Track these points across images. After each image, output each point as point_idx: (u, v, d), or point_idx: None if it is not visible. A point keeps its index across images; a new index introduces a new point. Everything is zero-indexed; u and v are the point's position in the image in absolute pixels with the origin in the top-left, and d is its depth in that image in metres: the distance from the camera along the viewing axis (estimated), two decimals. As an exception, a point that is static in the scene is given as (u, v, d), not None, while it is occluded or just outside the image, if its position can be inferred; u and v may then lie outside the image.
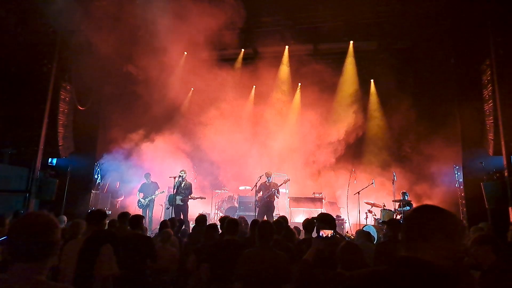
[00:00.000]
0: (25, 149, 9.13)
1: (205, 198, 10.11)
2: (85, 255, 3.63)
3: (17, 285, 1.43)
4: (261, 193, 9.59)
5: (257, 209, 9.42)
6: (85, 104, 10.67)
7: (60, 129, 9.90)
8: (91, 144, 10.98)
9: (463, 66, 9.40)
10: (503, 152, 7.85)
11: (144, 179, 10.55)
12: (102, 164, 11.35)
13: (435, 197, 10.10)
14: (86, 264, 3.58)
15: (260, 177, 9.67)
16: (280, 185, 9.84)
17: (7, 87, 8.98)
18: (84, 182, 10.62)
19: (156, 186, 10.40)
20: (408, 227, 1.49)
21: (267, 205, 9.40)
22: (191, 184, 9.84)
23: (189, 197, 9.59)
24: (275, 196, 9.53)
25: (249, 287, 3.32)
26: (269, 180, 9.61)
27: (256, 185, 9.51)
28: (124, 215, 5.48)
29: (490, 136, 8.45)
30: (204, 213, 10.61)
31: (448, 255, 1.38)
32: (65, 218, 7.27)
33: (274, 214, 9.77)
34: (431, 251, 1.37)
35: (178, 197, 9.45)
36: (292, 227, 5.67)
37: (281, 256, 3.42)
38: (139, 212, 9.90)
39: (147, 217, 10.04)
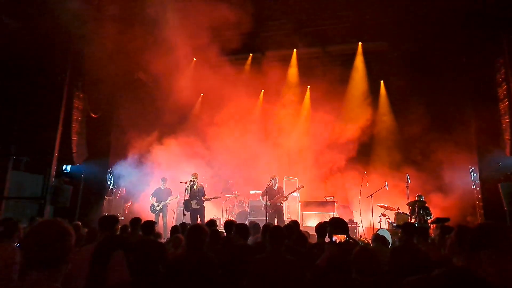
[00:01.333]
0: (40, 156, 9.31)
1: (219, 197, 10.04)
2: (96, 261, 3.65)
3: None
4: (266, 197, 9.53)
5: (267, 214, 9.42)
6: (97, 111, 10.84)
7: (74, 137, 10.07)
8: (104, 150, 11.13)
9: (476, 65, 9.22)
10: (520, 152, 7.66)
11: (160, 184, 10.55)
12: (115, 170, 11.49)
13: (450, 199, 9.89)
14: (98, 270, 3.58)
15: (271, 180, 9.65)
16: (292, 192, 9.78)
17: (22, 95, 9.19)
18: (98, 188, 10.75)
19: (169, 192, 10.41)
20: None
21: (277, 210, 9.35)
22: (202, 186, 9.84)
23: (203, 199, 9.57)
24: (282, 201, 9.50)
25: None
26: (273, 183, 9.51)
27: (266, 189, 9.50)
28: (136, 220, 5.50)
29: (507, 136, 8.25)
30: (215, 217, 10.65)
31: (498, 272, 1.35)
32: (80, 224, 7.36)
33: (286, 218, 9.71)
34: (479, 265, 1.37)
35: (193, 201, 9.45)
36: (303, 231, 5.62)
37: (293, 262, 3.37)
38: (152, 217, 9.95)
39: (161, 223, 10.07)
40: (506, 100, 8.28)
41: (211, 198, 9.73)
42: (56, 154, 9.35)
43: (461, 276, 1.38)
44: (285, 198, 9.48)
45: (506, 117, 8.26)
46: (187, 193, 9.43)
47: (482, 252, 1.37)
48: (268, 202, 9.40)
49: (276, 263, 3.32)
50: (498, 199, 7.74)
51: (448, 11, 9.46)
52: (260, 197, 9.77)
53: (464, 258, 1.44)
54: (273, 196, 9.38)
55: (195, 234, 3.49)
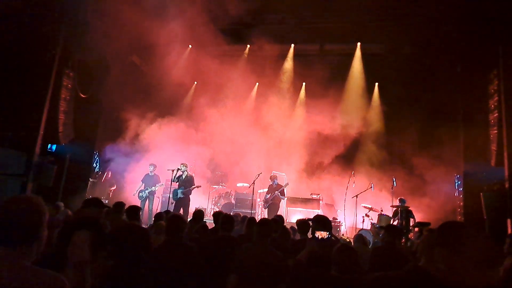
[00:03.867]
0: (25, 133, 9.10)
1: (200, 186, 10.03)
2: (60, 239, 3.58)
3: (1, 270, 1.39)
4: (269, 195, 10.02)
5: (265, 210, 10.13)
6: (87, 92, 10.62)
7: (61, 116, 9.86)
8: (92, 132, 10.94)
9: (469, 75, 9.32)
10: (505, 163, 7.79)
11: (148, 169, 10.44)
12: (101, 153, 11.33)
13: (433, 205, 10.03)
14: (61, 249, 3.50)
15: (258, 175, 9.75)
16: (279, 191, 10.01)
17: (10, 71, 8.94)
18: (83, 170, 10.58)
19: (157, 179, 10.32)
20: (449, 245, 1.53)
21: (272, 207, 9.87)
22: (192, 177, 9.76)
23: (189, 188, 9.50)
24: (280, 198, 9.98)
25: (244, 281, 3.30)
26: (275, 182, 10.10)
27: (254, 183, 9.57)
28: (119, 204, 5.45)
29: (493, 147, 8.38)
30: (200, 207, 10.61)
31: (449, 270, 1.36)
32: (62, 204, 7.24)
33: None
34: (434, 263, 1.38)
35: (179, 190, 9.40)
36: (288, 227, 5.66)
37: (279, 255, 3.40)
38: (137, 202, 9.86)
39: (146, 210, 9.99)
40: (496, 111, 8.40)
41: (193, 188, 9.66)
42: (41, 132, 9.15)
43: (415, 273, 1.42)
44: (274, 195, 9.84)
45: (495, 128, 8.38)
46: (175, 182, 9.36)
47: (436, 249, 1.41)
48: (270, 198, 9.99)
49: (262, 253, 3.37)
50: (479, 208, 7.88)
51: (447, 20, 9.52)
52: (265, 194, 10.32)
53: (424, 257, 1.48)
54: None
55: (174, 223, 3.52)
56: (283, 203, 10.90)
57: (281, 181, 10.68)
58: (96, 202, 4.26)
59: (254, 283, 3.26)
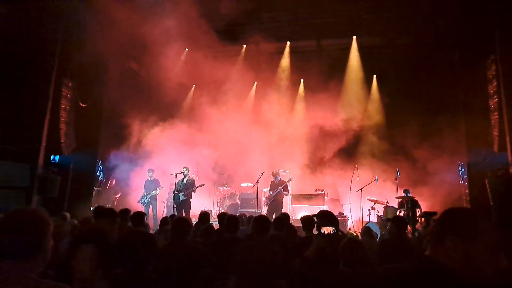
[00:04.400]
0: (28, 146, 9.12)
1: (203, 185, 10.03)
2: (69, 253, 3.54)
3: (7, 282, 1.39)
4: (271, 192, 9.85)
5: (266, 207, 9.82)
6: (86, 101, 10.65)
7: (62, 126, 9.89)
8: (94, 141, 10.96)
9: (467, 62, 9.29)
10: (508, 148, 7.76)
11: (147, 175, 10.53)
12: (104, 161, 11.36)
13: (438, 194, 10.02)
14: (68, 261, 3.45)
15: (262, 174, 9.73)
16: (282, 186, 9.90)
17: (9, 84, 8.96)
18: (87, 179, 10.61)
19: (157, 183, 10.40)
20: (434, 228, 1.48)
21: (274, 204, 9.63)
22: (194, 181, 9.79)
23: (192, 189, 9.52)
24: (283, 195, 9.74)
25: (243, 279, 3.31)
26: (276, 179, 9.88)
27: (257, 182, 9.54)
28: (125, 211, 5.46)
29: (495, 132, 8.35)
30: (206, 209, 10.63)
31: (462, 258, 1.34)
32: (68, 215, 7.26)
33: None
34: (444, 253, 1.35)
35: (181, 194, 9.42)
36: (295, 225, 5.64)
37: (278, 251, 3.41)
38: (141, 209, 9.89)
39: (150, 215, 10.03)
40: (495, 96, 8.36)
41: (197, 187, 9.67)
42: (43, 143, 9.18)
43: (424, 263, 1.37)
44: (278, 191, 9.62)
45: (496, 113, 8.35)
46: (178, 186, 9.39)
47: (447, 238, 1.36)
48: (273, 195, 9.75)
49: (260, 250, 3.38)
50: (485, 194, 7.86)
51: (441, 8, 9.48)
52: (269, 191, 10.15)
53: (431, 246, 1.41)
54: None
55: (179, 226, 3.56)
56: (287, 200, 10.90)
57: (284, 178, 10.65)
58: (108, 212, 4.21)
59: (253, 282, 3.27)
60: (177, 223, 3.64)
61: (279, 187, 9.64)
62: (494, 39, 8.25)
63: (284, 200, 11.43)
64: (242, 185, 11.70)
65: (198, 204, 11.28)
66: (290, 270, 3.33)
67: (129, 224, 5.28)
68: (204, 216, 5.99)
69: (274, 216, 9.06)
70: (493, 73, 8.46)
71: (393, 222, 4.53)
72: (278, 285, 3.29)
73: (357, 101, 12.05)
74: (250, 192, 10.98)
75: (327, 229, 3.00)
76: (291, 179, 10.27)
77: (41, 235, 1.52)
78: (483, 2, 8.45)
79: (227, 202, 11.47)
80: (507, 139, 7.74)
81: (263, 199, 10.78)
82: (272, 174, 10.02)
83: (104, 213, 4.17)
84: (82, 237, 3.56)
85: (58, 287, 1.48)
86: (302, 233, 5.11)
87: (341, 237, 3.45)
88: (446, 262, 1.34)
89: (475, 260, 1.32)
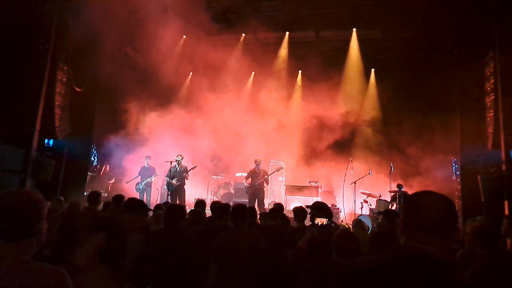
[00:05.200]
0: (21, 129, 9.03)
1: (195, 167, 10.04)
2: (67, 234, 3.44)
3: (1, 265, 1.39)
4: (249, 179, 9.62)
5: (248, 196, 9.58)
6: (82, 85, 10.52)
7: (57, 110, 9.78)
8: (89, 126, 10.86)
9: (465, 58, 9.28)
10: (502, 146, 7.82)
11: (144, 162, 10.54)
12: (98, 147, 11.30)
13: (431, 189, 10.05)
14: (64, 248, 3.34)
15: (258, 164, 9.74)
16: (272, 173, 9.90)
17: (2, 66, 8.81)
18: (81, 164, 10.55)
19: (153, 170, 10.43)
20: (407, 215, 1.44)
21: (256, 193, 9.46)
22: (186, 168, 9.80)
23: (184, 175, 9.51)
24: (264, 183, 9.60)
25: (223, 268, 3.35)
26: (258, 167, 9.64)
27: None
28: (119, 197, 5.45)
29: (490, 129, 8.40)
30: (200, 198, 10.66)
31: (444, 246, 1.35)
32: (62, 199, 7.24)
33: (270, 202, 9.80)
34: (432, 242, 1.33)
35: (174, 180, 9.42)
36: (289, 216, 5.68)
37: (257, 240, 3.45)
38: (136, 195, 9.90)
39: (145, 201, 10.04)
40: (492, 94, 8.39)
41: (189, 171, 9.65)
42: (38, 127, 9.08)
43: (416, 255, 1.34)
44: (263, 180, 9.50)
45: (491, 111, 8.39)
46: (171, 173, 9.40)
47: (438, 235, 1.36)
48: (247, 184, 9.60)
49: (238, 238, 3.43)
50: (477, 190, 7.94)
51: (442, 3, 9.44)
52: (244, 179, 9.83)
53: (416, 240, 1.38)
54: (256, 179, 9.56)
55: (172, 211, 3.59)
56: (281, 191, 10.97)
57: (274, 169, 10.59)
58: (140, 205, 3.73)
59: (233, 270, 3.31)
60: (170, 209, 3.65)
61: (266, 176, 9.55)
62: (493, 35, 8.24)
63: (277, 191, 11.53)
64: (237, 174, 11.73)
65: (192, 192, 11.29)
66: (271, 258, 3.37)
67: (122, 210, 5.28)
68: (200, 203, 6.00)
69: (255, 204, 9.14)
70: (491, 70, 8.47)
71: (384, 215, 4.58)
72: (257, 274, 3.33)
73: (355, 94, 12.04)
74: (244, 181, 11.00)
75: (320, 220, 3.03)
76: (280, 168, 10.12)
77: (35, 217, 1.51)
78: (484, -1, 8.42)
79: (221, 191, 11.50)
80: (502, 136, 7.79)
81: (246, 183, 10.05)
82: (254, 162, 9.74)
83: (135, 205, 3.65)
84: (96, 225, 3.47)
85: (52, 270, 1.47)
86: (294, 224, 5.16)
87: (335, 229, 3.48)
88: (437, 254, 1.33)
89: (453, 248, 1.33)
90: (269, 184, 10.22)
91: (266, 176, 9.54)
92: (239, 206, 3.76)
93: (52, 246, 3.43)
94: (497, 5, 8.10)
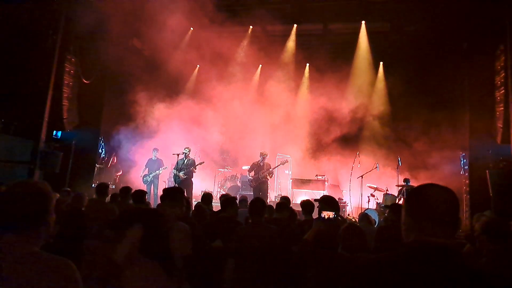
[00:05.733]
0: (30, 121, 9.13)
1: (203, 162, 10.01)
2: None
3: (9, 256, 1.38)
4: (252, 172, 9.59)
5: (252, 189, 9.55)
6: (90, 77, 10.58)
7: (65, 102, 9.88)
8: (96, 117, 10.95)
9: (476, 52, 9.13)
10: (511, 140, 7.72)
11: (152, 154, 10.56)
12: (110, 138, 11.38)
13: (439, 183, 10.02)
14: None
15: (264, 157, 9.69)
16: (276, 166, 9.84)
17: (12, 58, 8.89)
18: (89, 156, 10.65)
19: (161, 163, 10.44)
20: (416, 208, 1.42)
21: (260, 185, 9.41)
22: (194, 161, 9.82)
23: (191, 169, 9.54)
24: (268, 176, 9.52)
25: (241, 262, 3.36)
26: (263, 160, 9.55)
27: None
28: (126, 189, 5.52)
29: (499, 124, 8.29)
30: (207, 191, 10.72)
31: (454, 239, 1.34)
32: (69, 190, 7.33)
33: (276, 195, 9.80)
34: (442, 234, 1.32)
35: (181, 173, 9.46)
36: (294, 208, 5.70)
37: (273, 229, 3.47)
38: (143, 187, 9.99)
39: (152, 194, 10.12)
40: (502, 88, 8.26)
41: (197, 165, 9.66)
42: (46, 119, 9.18)
43: (432, 248, 1.31)
44: (266, 173, 9.42)
45: (501, 105, 8.27)
46: (179, 166, 9.44)
47: (447, 227, 1.35)
48: (250, 177, 9.55)
49: (256, 232, 3.46)
50: (485, 185, 7.86)
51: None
52: (248, 172, 9.80)
53: (427, 233, 1.35)
54: (259, 172, 9.51)
55: (258, 207, 3.65)
56: (287, 184, 10.96)
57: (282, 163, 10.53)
58: (177, 194, 3.39)
59: (252, 265, 3.31)
60: (253, 204, 3.71)
61: (270, 169, 9.48)
62: (505, 29, 8.07)
63: (284, 184, 11.52)
64: (244, 167, 11.75)
65: (199, 185, 11.35)
66: (287, 254, 3.37)
67: (130, 201, 5.34)
68: (207, 196, 6.03)
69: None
70: (502, 64, 8.32)
71: (391, 209, 4.56)
72: (276, 269, 3.34)
73: (363, 87, 11.93)
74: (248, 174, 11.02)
75: (327, 214, 3.03)
76: (286, 161, 9.98)
77: (43, 208, 1.50)
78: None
79: (228, 184, 11.55)
80: (511, 131, 7.69)
81: (249, 176, 9.95)
82: (261, 154, 9.64)
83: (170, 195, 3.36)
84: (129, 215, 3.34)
85: (60, 261, 1.46)
86: (302, 217, 5.17)
87: (341, 222, 3.48)
88: (447, 244, 1.32)
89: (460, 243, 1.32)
90: (274, 178, 10.15)
91: (270, 169, 9.46)
92: (257, 200, 3.78)
93: (57, 237, 3.46)
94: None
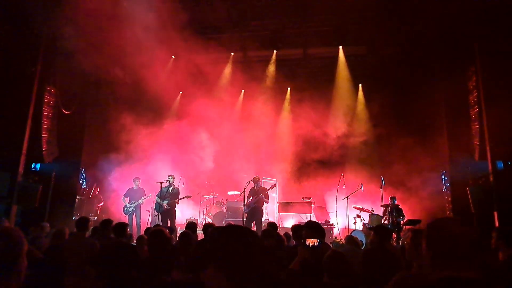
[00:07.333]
0: (8, 153, 8.88)
1: (190, 196, 9.87)
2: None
3: None
4: (251, 198, 9.46)
5: (245, 215, 9.31)
6: (70, 108, 10.45)
7: (44, 133, 9.66)
8: (77, 148, 10.74)
9: (449, 72, 9.54)
10: (488, 157, 7.96)
11: (132, 184, 10.32)
12: (87, 169, 11.13)
13: (423, 202, 10.15)
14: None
15: (249, 182, 9.61)
16: (268, 190, 9.77)
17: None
18: (69, 187, 10.35)
19: (143, 192, 10.20)
20: (439, 245, 1.44)
21: (253, 211, 9.16)
22: (179, 190, 9.69)
23: (176, 200, 9.39)
24: (263, 202, 9.29)
25: None
26: (257, 185, 9.44)
27: (244, 190, 9.41)
28: (107, 222, 5.35)
29: (476, 141, 8.57)
30: (192, 219, 10.52)
31: (475, 270, 1.36)
32: (47, 225, 7.07)
33: (263, 220, 9.66)
34: (470, 267, 1.35)
35: (165, 202, 9.29)
36: (282, 232, 5.63)
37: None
38: (125, 218, 9.72)
39: (134, 223, 9.85)
40: (476, 106, 8.60)
41: (182, 198, 9.54)
42: (24, 151, 8.94)
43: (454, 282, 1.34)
44: (258, 197, 9.16)
45: (476, 123, 8.58)
46: (163, 194, 9.27)
47: (466, 260, 1.38)
48: (253, 201, 9.20)
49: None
50: (467, 202, 8.02)
51: (424, 20, 9.76)
52: (246, 198, 9.42)
53: (449, 268, 1.37)
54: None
55: (156, 239, 3.50)
56: (274, 208, 10.86)
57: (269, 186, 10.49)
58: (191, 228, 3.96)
59: None
60: (153, 236, 3.58)
61: (260, 194, 9.18)
62: (474, 51, 8.51)
63: (270, 208, 11.39)
64: (229, 193, 11.62)
65: (184, 212, 11.14)
66: (274, 283, 3.30)
67: (111, 235, 5.17)
68: (191, 226, 5.92)
69: (253, 224, 9.00)
70: (474, 84, 8.71)
71: (375, 231, 4.46)
72: None
73: (344, 109, 12.19)
74: (236, 200, 10.89)
75: (311, 241, 3.01)
76: (274, 185, 9.86)
77: (15, 256, 1.47)
78: (464, 15, 8.71)
79: (214, 211, 11.35)
80: (487, 148, 7.95)
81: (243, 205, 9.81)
82: (253, 180, 9.49)
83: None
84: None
85: None
86: (292, 242, 5.10)
87: (325, 249, 3.45)
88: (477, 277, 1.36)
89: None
90: (268, 203, 9.97)
91: (260, 195, 9.15)
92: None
93: (37, 274, 3.34)
94: (476, 21, 8.39)
